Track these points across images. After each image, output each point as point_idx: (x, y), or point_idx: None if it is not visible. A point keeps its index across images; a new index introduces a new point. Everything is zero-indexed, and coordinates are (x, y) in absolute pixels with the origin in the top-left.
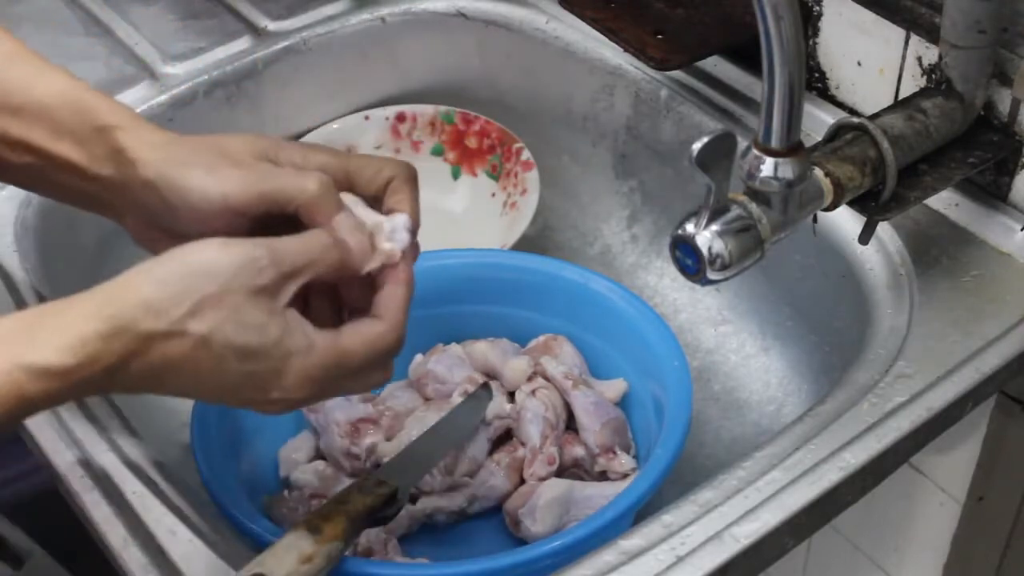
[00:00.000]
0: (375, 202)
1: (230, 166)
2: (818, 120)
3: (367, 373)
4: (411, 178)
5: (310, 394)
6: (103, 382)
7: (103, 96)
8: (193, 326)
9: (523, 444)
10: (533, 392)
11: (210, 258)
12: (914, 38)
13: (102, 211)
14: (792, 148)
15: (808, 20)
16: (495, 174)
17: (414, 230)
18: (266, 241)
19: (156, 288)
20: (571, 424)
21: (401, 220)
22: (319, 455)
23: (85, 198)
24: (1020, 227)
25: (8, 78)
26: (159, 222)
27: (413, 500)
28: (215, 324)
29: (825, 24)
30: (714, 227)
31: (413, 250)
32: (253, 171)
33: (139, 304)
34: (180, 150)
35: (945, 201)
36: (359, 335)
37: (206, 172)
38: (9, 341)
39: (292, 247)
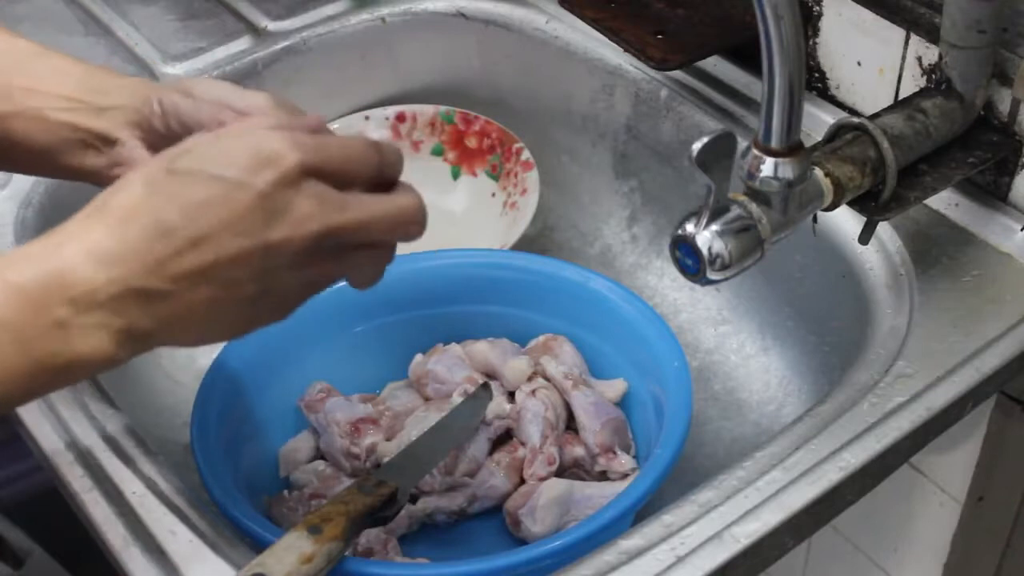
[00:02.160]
0: None
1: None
2: (818, 120)
3: (356, 256)
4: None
5: (328, 212)
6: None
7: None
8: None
9: (523, 444)
10: (533, 392)
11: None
12: (914, 38)
13: (96, 152)
14: (792, 148)
15: (808, 20)
16: (495, 174)
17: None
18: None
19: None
20: (571, 424)
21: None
22: (319, 455)
23: (79, 136)
24: (1020, 227)
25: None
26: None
27: (413, 500)
28: (232, 235)
29: (825, 24)
30: (714, 227)
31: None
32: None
33: (157, 263)
34: (183, 85)
35: (945, 201)
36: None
37: (207, 85)
38: (33, 311)
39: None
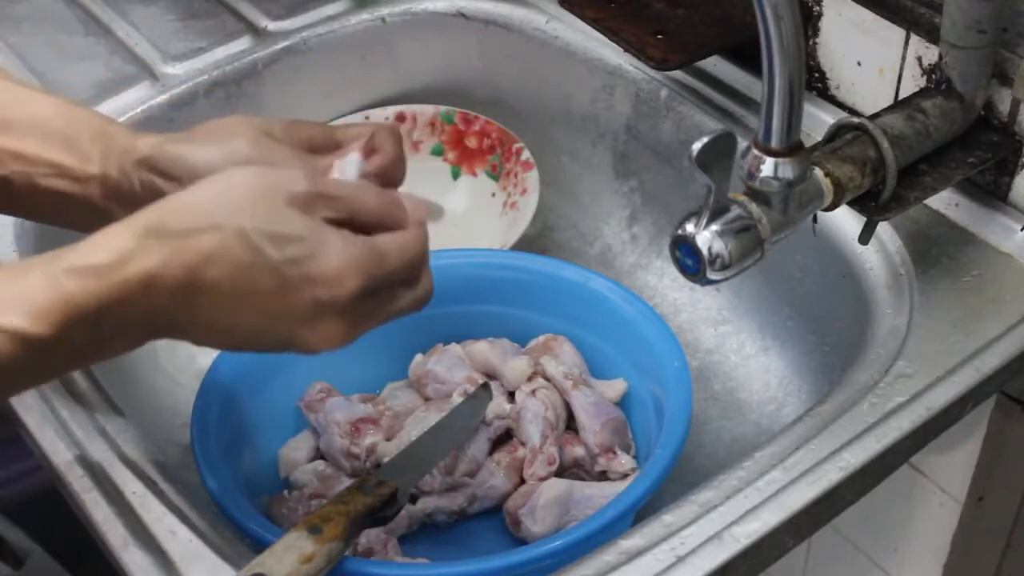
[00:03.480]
0: None
1: (232, 137)
2: (818, 120)
3: (404, 281)
4: (394, 130)
5: (354, 292)
6: (141, 296)
7: (96, 112)
8: (228, 220)
9: (523, 444)
10: (533, 392)
11: (246, 172)
12: (914, 38)
13: (88, 220)
14: (792, 148)
15: (808, 20)
16: (495, 174)
17: (398, 174)
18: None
19: (191, 195)
20: (571, 424)
21: (352, 157)
22: (319, 455)
23: (68, 203)
24: (1020, 227)
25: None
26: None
27: (413, 500)
28: (249, 216)
29: (825, 24)
30: (714, 227)
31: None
32: (256, 144)
33: (174, 209)
34: (175, 135)
35: (945, 201)
36: (390, 237)
37: (209, 143)
38: (47, 257)
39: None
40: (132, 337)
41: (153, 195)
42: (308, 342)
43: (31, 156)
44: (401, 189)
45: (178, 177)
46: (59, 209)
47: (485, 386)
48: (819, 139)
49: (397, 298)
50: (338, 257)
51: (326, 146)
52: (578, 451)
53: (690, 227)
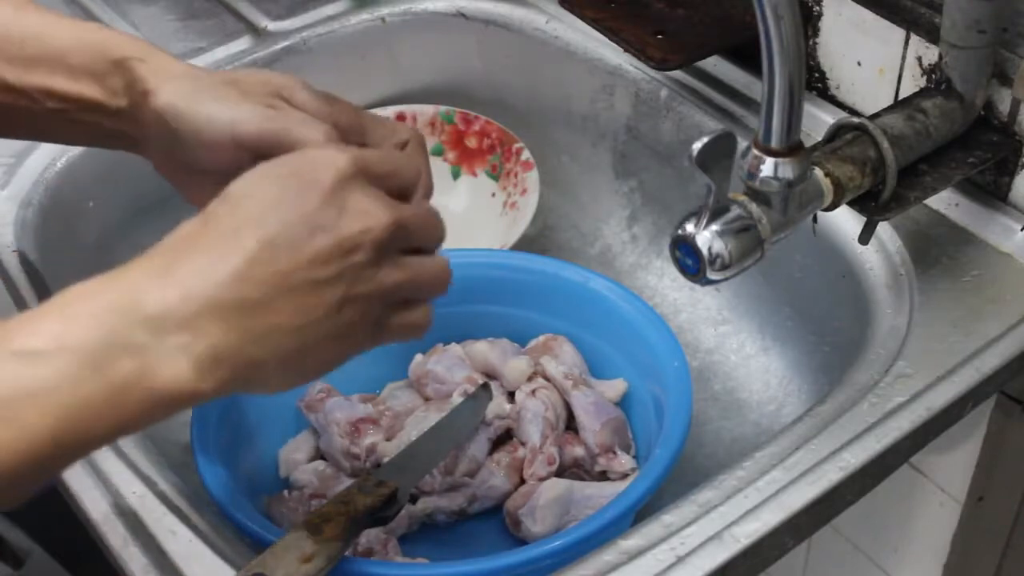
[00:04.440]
0: None
1: (240, 98)
2: (818, 120)
3: (423, 264)
4: (423, 144)
5: (387, 225)
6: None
7: (118, 32)
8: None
9: (523, 444)
10: (533, 392)
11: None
12: (914, 38)
13: (126, 146)
14: (792, 148)
15: (808, 20)
16: (495, 174)
17: (430, 193)
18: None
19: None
20: (571, 424)
21: None
22: (319, 455)
23: (108, 136)
24: (1020, 227)
25: (21, 29)
26: (174, 154)
27: (413, 500)
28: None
29: (825, 24)
30: (714, 227)
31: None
32: (264, 106)
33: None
34: (193, 81)
35: (945, 201)
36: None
37: (215, 101)
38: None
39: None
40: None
41: (165, 139)
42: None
43: (62, 92)
44: None
45: (183, 136)
46: (93, 139)
47: (485, 386)
48: (819, 139)
49: (418, 281)
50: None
51: (350, 133)
52: (578, 451)
53: (690, 227)
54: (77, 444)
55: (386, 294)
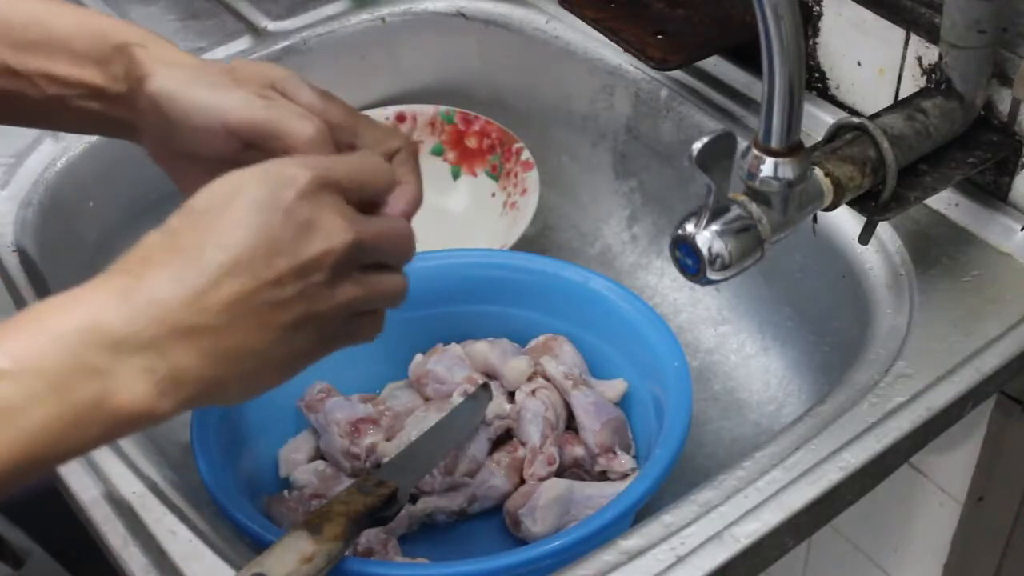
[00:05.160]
0: None
1: (233, 85)
2: (818, 120)
3: (381, 281)
4: (415, 153)
5: (349, 244)
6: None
7: (118, 20)
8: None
9: (523, 444)
10: (533, 392)
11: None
12: (914, 38)
13: (123, 133)
14: (792, 148)
15: (808, 20)
16: (495, 174)
17: (416, 204)
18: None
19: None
20: (571, 424)
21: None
22: (319, 455)
23: (106, 122)
24: (1020, 227)
25: (22, 14)
26: (167, 140)
27: (413, 500)
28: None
29: (825, 24)
30: (714, 227)
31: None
32: (256, 96)
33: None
34: (189, 69)
35: (945, 201)
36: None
37: (208, 87)
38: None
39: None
40: None
41: (159, 126)
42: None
43: (64, 77)
44: None
45: (175, 122)
46: (92, 126)
47: (485, 386)
48: (819, 139)
49: (382, 277)
50: (334, 222)
51: (342, 132)
52: (578, 451)
53: (690, 227)
54: (36, 463)
55: (343, 310)
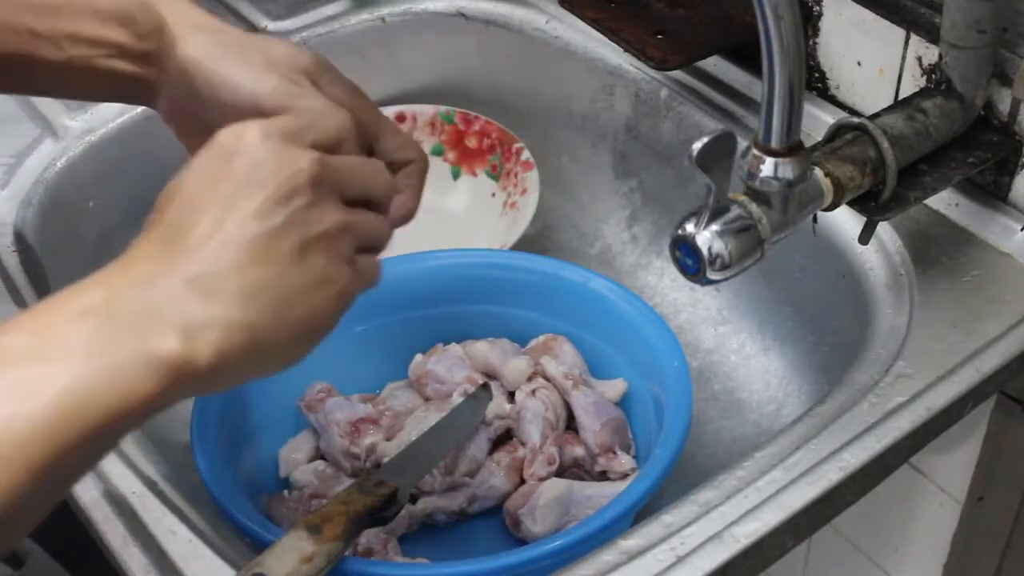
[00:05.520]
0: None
1: (268, 69)
2: (818, 120)
3: (364, 214)
4: (424, 171)
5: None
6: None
7: None
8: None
9: (523, 444)
10: (533, 392)
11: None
12: (914, 38)
13: (139, 97)
14: (792, 148)
15: (808, 20)
16: (495, 174)
17: (407, 218)
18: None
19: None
20: (571, 424)
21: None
22: (319, 455)
23: (125, 85)
24: (1020, 227)
25: None
26: (187, 106)
27: (413, 500)
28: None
29: (825, 24)
30: (714, 227)
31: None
32: (290, 83)
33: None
34: (220, 36)
35: (945, 201)
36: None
37: (241, 65)
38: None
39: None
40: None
41: (183, 92)
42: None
43: (90, 37)
44: None
45: (204, 97)
46: (111, 89)
47: (485, 386)
48: (819, 139)
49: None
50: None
51: (365, 133)
52: (578, 451)
53: (690, 227)
54: (79, 438)
55: (338, 229)
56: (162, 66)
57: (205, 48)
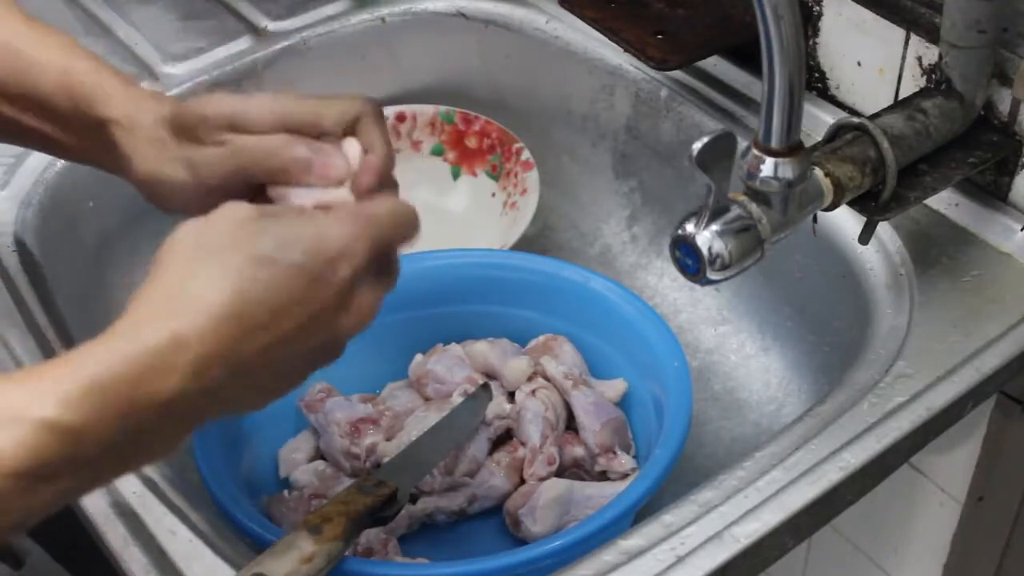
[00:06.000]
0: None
1: (200, 147)
2: (818, 120)
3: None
4: (378, 114)
5: (367, 255)
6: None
7: (99, 72)
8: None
9: (523, 444)
10: (533, 392)
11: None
12: (914, 38)
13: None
14: (792, 148)
15: (808, 20)
16: (495, 174)
17: (385, 164)
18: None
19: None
20: (571, 424)
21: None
22: (319, 455)
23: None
24: (1020, 227)
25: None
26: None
27: (413, 500)
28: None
29: (825, 24)
30: (714, 227)
31: (377, 176)
32: (223, 149)
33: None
34: (163, 147)
35: (945, 201)
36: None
37: (183, 167)
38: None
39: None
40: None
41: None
42: (347, 326)
43: (39, 131)
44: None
45: (164, 196)
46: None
47: (485, 386)
48: (819, 139)
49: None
50: (340, 233)
51: (305, 129)
52: (578, 451)
53: (690, 227)
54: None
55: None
56: (116, 168)
57: (152, 162)
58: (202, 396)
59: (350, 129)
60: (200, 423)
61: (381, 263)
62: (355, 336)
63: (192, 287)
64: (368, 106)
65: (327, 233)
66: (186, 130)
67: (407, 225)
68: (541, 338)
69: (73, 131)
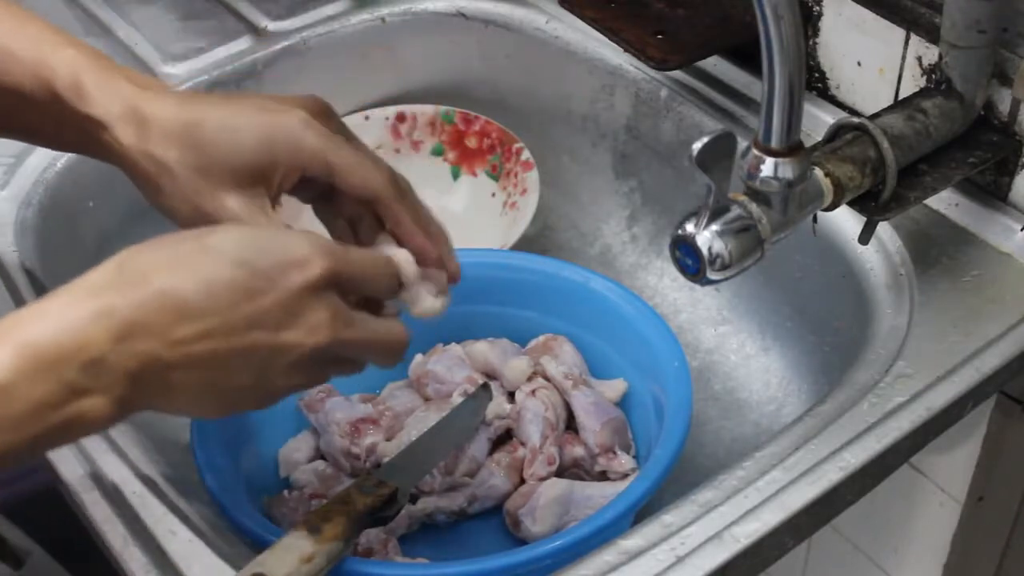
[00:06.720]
0: (358, 206)
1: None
2: (818, 120)
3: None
4: (398, 194)
5: (324, 273)
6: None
7: (75, 63)
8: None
9: (523, 444)
10: (533, 392)
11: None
12: (914, 38)
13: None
14: (792, 148)
15: (808, 20)
16: (495, 174)
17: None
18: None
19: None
20: (571, 424)
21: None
22: (319, 455)
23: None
24: (1020, 227)
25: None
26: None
27: (413, 500)
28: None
29: (825, 24)
30: (714, 227)
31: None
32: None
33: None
34: (160, 167)
35: (945, 201)
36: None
37: (201, 182)
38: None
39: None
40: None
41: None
42: (291, 339)
43: (6, 116)
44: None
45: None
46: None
47: (485, 386)
48: (819, 139)
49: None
50: (303, 244)
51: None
52: (578, 451)
53: (690, 227)
54: None
55: (292, 389)
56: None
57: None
58: (129, 366)
59: (364, 202)
60: (136, 405)
61: (348, 293)
62: (309, 359)
63: (136, 262)
64: (387, 186)
65: (287, 242)
66: (192, 145)
67: (377, 267)
68: (541, 338)
69: (53, 123)
